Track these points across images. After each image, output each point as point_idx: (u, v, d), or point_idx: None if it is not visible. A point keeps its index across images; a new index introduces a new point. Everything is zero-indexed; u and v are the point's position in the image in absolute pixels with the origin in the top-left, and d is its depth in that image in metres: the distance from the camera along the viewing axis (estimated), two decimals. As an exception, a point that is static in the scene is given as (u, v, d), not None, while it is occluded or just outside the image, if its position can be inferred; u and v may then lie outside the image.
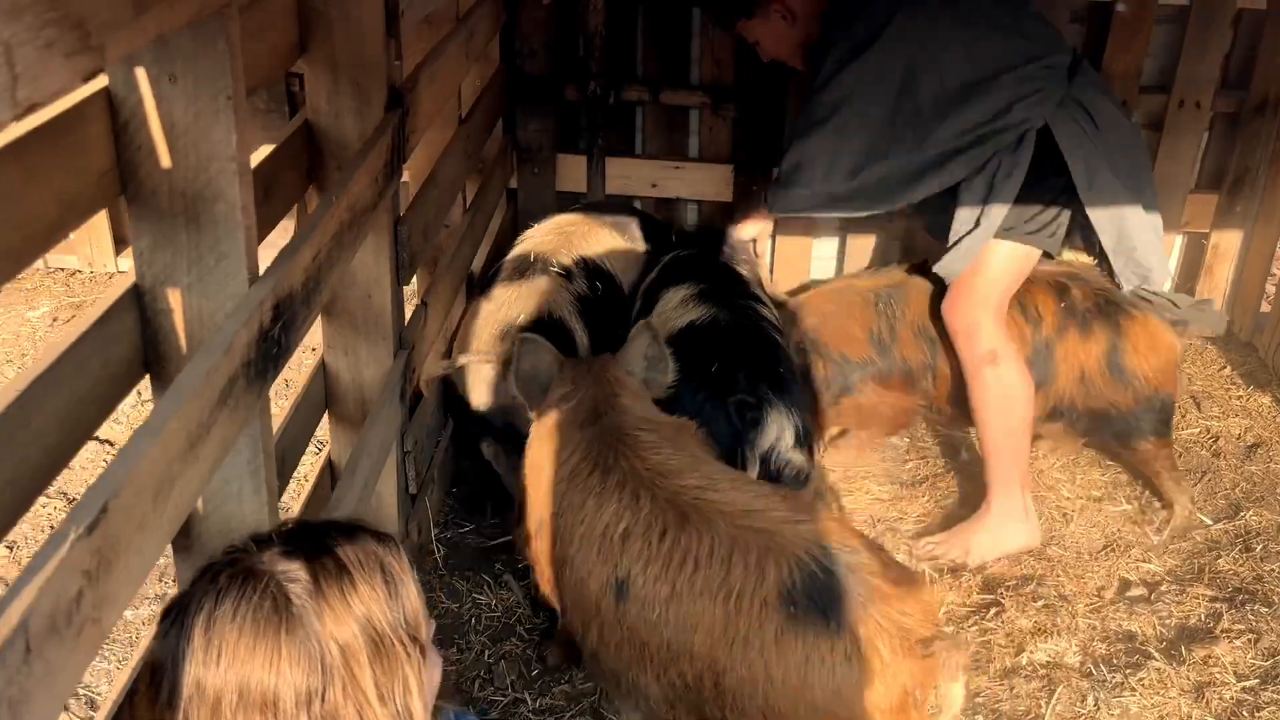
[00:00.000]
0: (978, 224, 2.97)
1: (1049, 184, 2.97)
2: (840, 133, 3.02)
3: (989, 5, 3.07)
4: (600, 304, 3.27)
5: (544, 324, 3.05)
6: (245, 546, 1.35)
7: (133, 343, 1.61)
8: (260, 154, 2.00)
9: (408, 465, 2.79)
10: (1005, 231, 2.99)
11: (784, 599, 1.91)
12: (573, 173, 4.20)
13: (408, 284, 2.65)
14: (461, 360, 3.12)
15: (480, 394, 3.09)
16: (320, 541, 1.37)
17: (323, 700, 1.28)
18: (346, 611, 1.32)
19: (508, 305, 3.14)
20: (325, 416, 2.56)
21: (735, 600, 1.95)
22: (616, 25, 4.05)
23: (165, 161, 1.51)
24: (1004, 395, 3.03)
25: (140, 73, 1.47)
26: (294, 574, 1.30)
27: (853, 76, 3.00)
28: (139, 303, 1.61)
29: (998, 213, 2.95)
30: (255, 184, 1.65)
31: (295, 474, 2.56)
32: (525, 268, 3.24)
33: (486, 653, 2.75)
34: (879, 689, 1.88)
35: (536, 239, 3.41)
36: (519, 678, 2.69)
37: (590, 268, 3.32)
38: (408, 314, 2.70)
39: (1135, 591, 2.97)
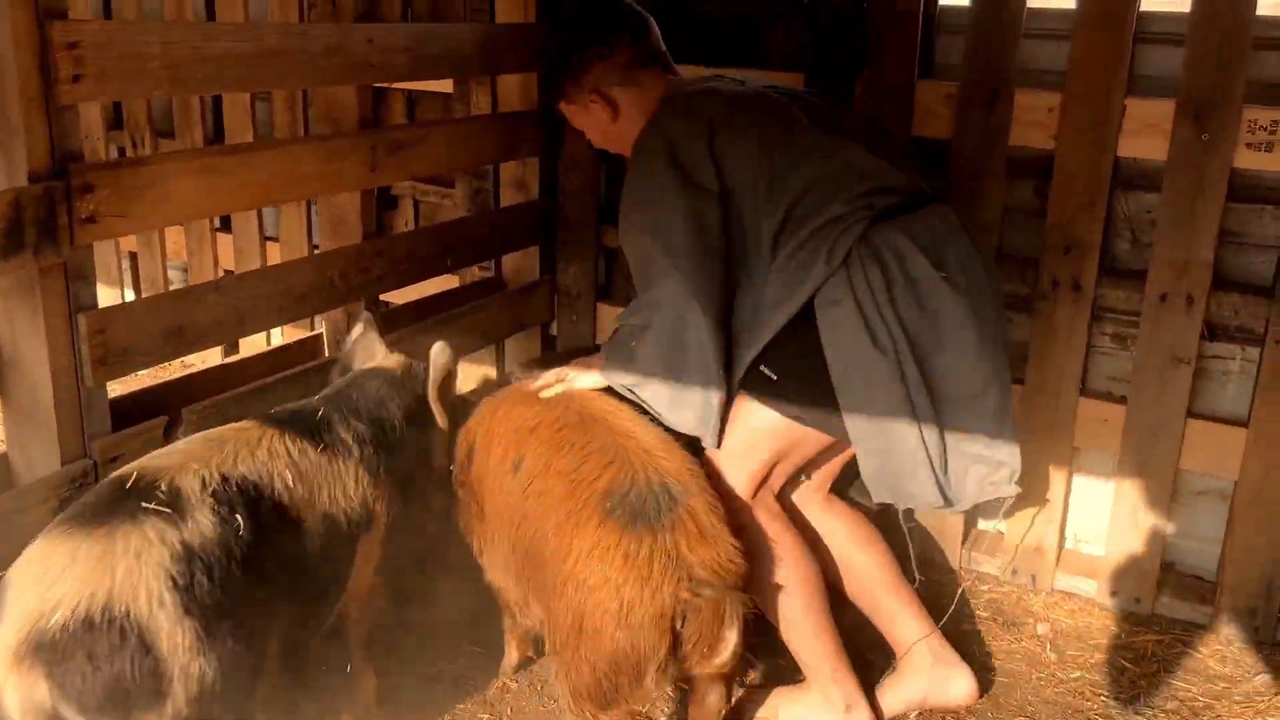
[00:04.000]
0: None
1: None
2: None
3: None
4: (250, 548, 2.02)
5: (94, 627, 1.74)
6: None
7: None
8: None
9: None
10: None
11: (608, 496, 2.17)
12: (613, 322, 3.71)
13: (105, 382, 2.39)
14: None
15: None
16: None
17: None
18: None
19: (47, 582, 1.79)
20: None
21: (575, 484, 2.23)
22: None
23: None
24: None
25: None
26: None
27: None
28: None
29: None
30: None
31: None
32: (111, 504, 1.94)
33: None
34: (642, 596, 2.05)
35: (158, 452, 2.18)
36: None
37: (238, 492, 2.08)
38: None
39: None
